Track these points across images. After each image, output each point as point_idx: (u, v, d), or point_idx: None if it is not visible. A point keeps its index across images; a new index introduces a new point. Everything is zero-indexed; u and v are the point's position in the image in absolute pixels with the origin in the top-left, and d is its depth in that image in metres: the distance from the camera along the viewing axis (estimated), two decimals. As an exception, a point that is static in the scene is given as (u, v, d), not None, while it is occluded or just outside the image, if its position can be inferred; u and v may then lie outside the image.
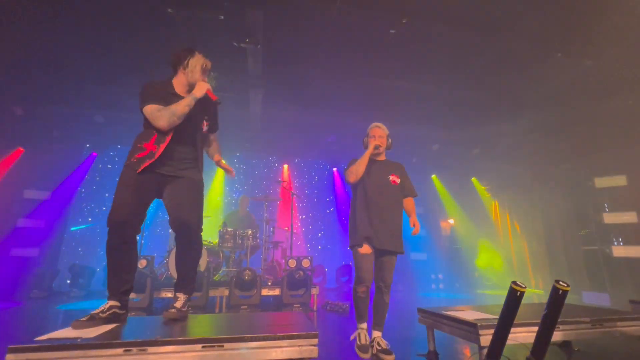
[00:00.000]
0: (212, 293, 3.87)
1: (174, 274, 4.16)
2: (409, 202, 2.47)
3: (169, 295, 3.78)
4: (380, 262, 2.31)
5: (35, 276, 5.14)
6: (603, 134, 5.09)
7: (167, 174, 1.92)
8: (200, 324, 1.85)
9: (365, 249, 2.26)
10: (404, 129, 6.31)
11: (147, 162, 1.85)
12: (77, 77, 4.93)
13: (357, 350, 2.07)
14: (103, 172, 7.32)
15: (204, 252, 4.45)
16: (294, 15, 3.86)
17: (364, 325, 2.21)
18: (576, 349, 2.30)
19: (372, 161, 2.41)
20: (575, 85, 4.77)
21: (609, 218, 4.63)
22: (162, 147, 1.88)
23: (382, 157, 2.54)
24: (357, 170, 2.33)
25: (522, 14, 3.68)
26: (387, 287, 2.30)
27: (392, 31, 3.82)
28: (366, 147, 2.45)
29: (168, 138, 1.90)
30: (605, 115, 5.04)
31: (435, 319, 2.12)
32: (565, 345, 2.32)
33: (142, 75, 4.82)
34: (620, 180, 4.59)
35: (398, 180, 2.43)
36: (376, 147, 2.41)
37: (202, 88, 1.97)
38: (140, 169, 1.84)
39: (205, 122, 2.16)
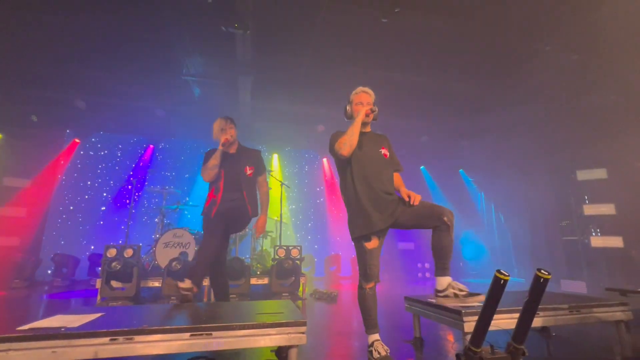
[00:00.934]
0: (200, 282, 3.85)
1: (162, 263, 4.13)
2: (397, 177, 2.21)
3: (157, 284, 3.74)
4: (405, 219, 1.99)
5: (17, 265, 5.01)
6: (586, 128, 5.23)
7: (226, 212, 2.52)
8: (188, 313, 1.84)
9: (374, 242, 1.94)
10: (394, 120, 6.33)
11: (214, 209, 2.55)
12: (56, 59, 4.72)
13: None
14: (85, 159, 7.08)
15: (192, 242, 4.41)
16: (284, 1, 3.77)
17: (377, 336, 1.88)
18: (553, 334, 2.40)
19: (360, 133, 2.06)
20: (561, 79, 4.85)
21: (589, 210, 4.80)
22: (219, 194, 2.59)
23: (368, 129, 2.22)
24: (350, 141, 1.98)
25: (513, 6, 3.69)
26: (442, 220, 1.91)
27: (384, 20, 3.78)
28: (350, 117, 2.16)
29: (221, 186, 2.60)
30: (588, 110, 5.16)
31: (421, 306, 2.17)
32: (544, 330, 2.42)
33: (126, 59, 4.66)
34: (600, 173, 4.74)
35: (388, 154, 2.17)
36: (367, 115, 2.09)
37: (221, 142, 2.66)
38: (212, 214, 2.52)
39: (247, 168, 2.71)
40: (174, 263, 3.64)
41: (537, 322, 1.84)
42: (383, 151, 2.14)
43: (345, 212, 2.09)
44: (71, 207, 6.81)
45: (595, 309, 1.99)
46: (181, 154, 7.75)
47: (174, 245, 4.37)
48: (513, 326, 1.45)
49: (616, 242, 4.52)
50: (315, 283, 5.70)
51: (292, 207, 8.31)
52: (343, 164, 2.09)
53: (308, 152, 8.70)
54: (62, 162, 6.65)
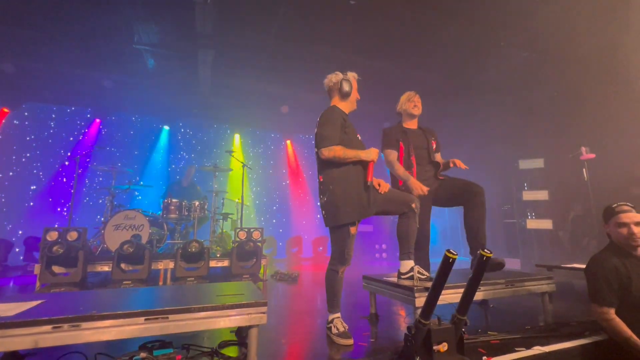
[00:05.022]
0: (155, 266, 3.70)
1: (111, 246, 3.87)
2: None
3: (106, 269, 3.52)
4: (376, 205, 2.03)
5: None
6: (529, 120, 5.71)
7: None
8: (143, 297, 1.77)
9: (356, 227, 2.00)
10: (357, 104, 6.39)
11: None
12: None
13: (338, 340, 1.82)
14: (11, 130, 6.18)
15: (146, 224, 4.18)
16: (249, -30, 3.55)
17: (339, 314, 1.97)
18: (491, 306, 2.69)
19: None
20: (511, 74, 5.21)
21: (527, 195, 5.33)
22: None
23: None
24: (347, 159, 1.98)
25: (477, 2, 3.83)
26: (410, 207, 2.02)
27: (352, 2, 3.73)
28: (347, 96, 2.13)
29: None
30: (532, 104, 5.64)
31: (377, 284, 2.30)
32: (483, 303, 2.70)
33: (66, 19, 4.12)
34: (538, 163, 5.26)
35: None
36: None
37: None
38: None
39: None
40: (125, 246, 3.44)
41: (478, 295, 2.04)
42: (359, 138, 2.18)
43: (311, 196, 2.09)
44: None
45: (526, 283, 2.26)
46: (130, 128, 7.16)
47: (125, 227, 4.11)
48: (458, 300, 1.59)
49: (547, 224, 5.10)
50: (277, 265, 5.74)
51: (257, 189, 8.16)
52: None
53: (273, 133, 8.51)
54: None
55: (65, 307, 1.43)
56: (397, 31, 4.47)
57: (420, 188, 2.32)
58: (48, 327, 1.25)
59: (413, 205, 2.02)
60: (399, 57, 5.08)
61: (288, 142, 8.59)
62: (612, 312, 1.66)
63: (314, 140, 2.05)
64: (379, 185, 2.07)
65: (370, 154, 2.00)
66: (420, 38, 4.60)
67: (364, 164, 2.02)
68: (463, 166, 2.54)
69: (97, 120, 6.84)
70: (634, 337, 1.57)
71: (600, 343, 1.75)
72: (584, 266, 1.86)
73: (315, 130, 2.04)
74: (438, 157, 2.71)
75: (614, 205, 1.79)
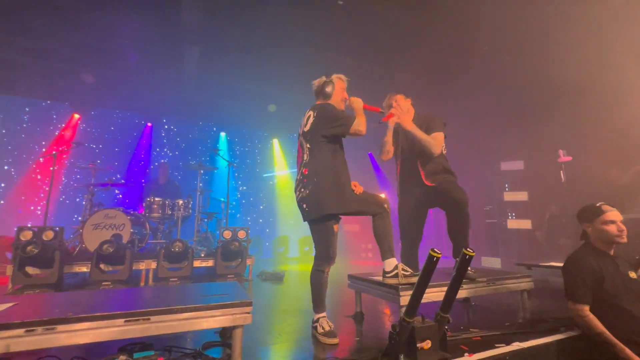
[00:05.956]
0: (136, 266, 3.60)
1: (90, 246, 3.74)
2: None
3: (84, 269, 3.40)
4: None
5: None
6: (510, 123, 5.89)
7: None
8: (123, 298, 1.71)
9: (337, 226, 2.01)
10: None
11: None
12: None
13: (324, 339, 1.82)
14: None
15: (127, 223, 4.06)
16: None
17: (324, 313, 1.97)
18: (473, 304, 2.76)
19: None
20: (493, 77, 5.36)
21: (508, 196, 5.50)
22: None
23: None
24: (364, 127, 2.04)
25: (462, 6, 3.91)
26: (383, 207, 2.07)
27: (340, 2, 3.74)
28: (329, 97, 2.17)
29: None
30: (514, 107, 5.81)
31: (363, 284, 2.31)
32: (465, 300, 2.76)
33: (40, 7, 3.96)
34: (519, 165, 5.43)
35: None
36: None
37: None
38: None
39: None
40: (105, 246, 3.33)
41: (461, 293, 2.08)
42: None
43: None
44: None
45: (506, 281, 2.32)
46: (111, 124, 6.92)
47: (105, 226, 3.97)
48: (441, 298, 1.62)
49: (526, 224, 5.28)
50: (263, 264, 5.70)
51: (243, 188, 8.06)
52: (339, 134, 2.04)
53: (260, 131, 8.43)
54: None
55: (39, 310, 1.37)
56: (383, 32, 4.52)
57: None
58: (21, 331, 1.20)
59: (386, 206, 2.08)
60: (383, 57, 5.14)
61: (275, 140, 8.53)
62: (586, 309, 1.73)
63: (318, 127, 2.02)
64: (355, 186, 2.12)
65: (359, 104, 2.10)
66: (405, 40, 4.67)
67: (343, 159, 2.10)
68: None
69: (76, 115, 6.58)
70: (606, 332, 1.64)
71: (575, 338, 1.83)
72: (560, 264, 1.93)
73: (316, 119, 2.03)
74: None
75: (598, 205, 1.86)
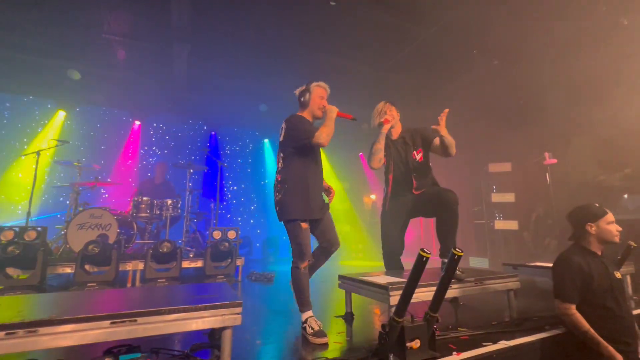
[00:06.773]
0: (123, 267, 3.52)
1: (75, 247, 3.65)
2: None
3: (68, 270, 3.31)
4: (323, 225, 2.18)
5: None
6: (498, 126, 6.00)
7: None
8: (109, 299, 1.68)
9: (306, 224, 2.07)
10: (335, 105, 6.43)
11: None
12: None
13: (313, 339, 1.81)
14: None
15: (114, 223, 3.98)
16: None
17: (311, 313, 1.97)
18: (461, 303, 2.79)
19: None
20: (482, 81, 5.46)
21: (495, 198, 5.60)
22: None
23: None
24: (330, 135, 2.06)
25: (452, 11, 3.97)
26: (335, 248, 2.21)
27: (333, 3, 3.75)
28: (306, 105, 2.22)
29: None
30: (502, 111, 5.92)
31: (353, 284, 2.32)
32: (454, 300, 2.80)
33: (19, 2, 3.84)
34: (506, 167, 5.54)
35: None
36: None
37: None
38: None
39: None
40: (90, 246, 3.25)
41: (450, 293, 2.11)
42: None
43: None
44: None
45: (493, 281, 2.36)
46: (97, 122, 6.75)
47: (90, 226, 3.88)
48: (430, 298, 1.64)
49: (513, 225, 5.39)
50: (253, 265, 5.66)
51: (234, 188, 7.99)
52: (305, 146, 2.07)
53: (251, 131, 8.37)
54: None
55: (20, 312, 1.32)
56: (375, 35, 4.55)
57: None
58: (1, 334, 1.16)
59: (333, 249, 2.21)
60: (374, 59, 5.17)
61: (266, 140, 8.49)
62: (573, 308, 1.77)
63: (287, 140, 2.13)
64: (329, 190, 2.26)
65: (332, 112, 2.18)
66: (396, 42, 4.71)
67: (320, 169, 2.21)
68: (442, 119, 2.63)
69: (61, 111, 6.41)
70: (592, 330, 1.68)
71: (559, 336, 1.87)
72: (546, 264, 1.97)
73: (285, 131, 2.13)
74: (436, 141, 2.68)
75: (598, 205, 1.92)
